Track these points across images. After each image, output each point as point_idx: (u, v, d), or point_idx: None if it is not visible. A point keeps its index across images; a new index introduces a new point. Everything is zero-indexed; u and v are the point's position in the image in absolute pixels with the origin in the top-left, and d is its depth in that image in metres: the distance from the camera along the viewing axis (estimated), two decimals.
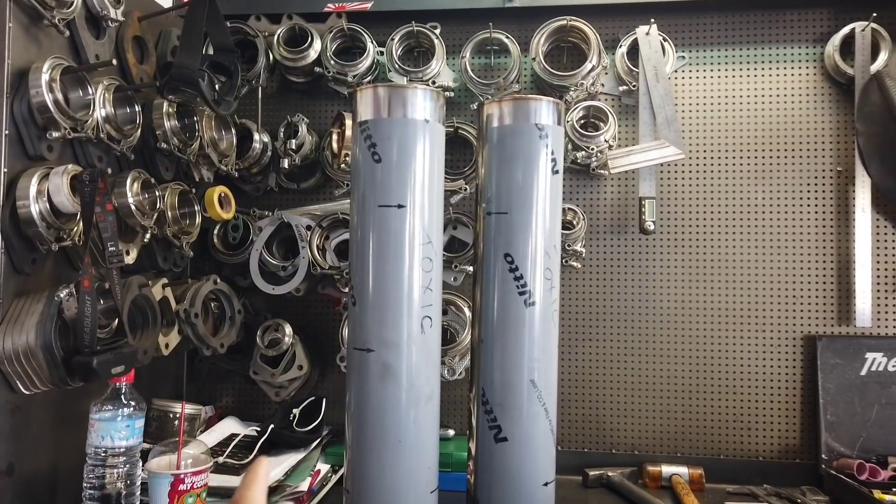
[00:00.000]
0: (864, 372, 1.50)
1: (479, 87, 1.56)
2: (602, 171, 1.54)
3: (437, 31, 1.58)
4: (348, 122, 1.50)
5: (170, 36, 1.49)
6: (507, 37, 1.55)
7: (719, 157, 1.58)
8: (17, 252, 1.10)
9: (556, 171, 1.12)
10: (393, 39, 1.56)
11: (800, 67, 1.56)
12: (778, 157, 1.56)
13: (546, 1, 1.56)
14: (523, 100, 1.11)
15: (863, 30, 1.49)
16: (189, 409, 1.51)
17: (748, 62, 1.58)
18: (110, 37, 1.32)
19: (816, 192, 1.55)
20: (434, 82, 1.55)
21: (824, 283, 1.54)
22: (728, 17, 1.58)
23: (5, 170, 1.09)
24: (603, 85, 1.59)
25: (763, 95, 1.57)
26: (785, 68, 1.56)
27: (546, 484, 1.11)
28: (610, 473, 1.51)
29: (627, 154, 1.51)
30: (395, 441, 1.01)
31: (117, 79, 1.29)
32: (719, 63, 1.59)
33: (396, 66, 1.55)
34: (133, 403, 1.16)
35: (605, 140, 1.48)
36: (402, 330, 1.01)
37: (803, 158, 1.56)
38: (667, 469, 1.51)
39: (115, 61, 1.27)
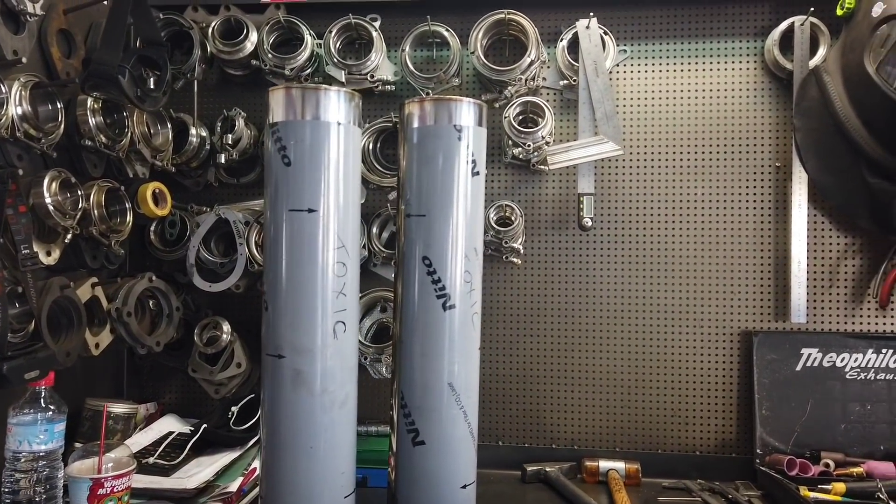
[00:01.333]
0: (799, 367, 1.51)
1: (419, 80, 1.54)
2: (543, 167, 1.53)
3: (377, 24, 1.55)
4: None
5: (100, 28, 1.45)
6: (447, 29, 1.53)
7: (660, 153, 1.58)
8: None
9: (477, 173, 1.10)
10: (331, 32, 1.53)
11: (740, 62, 1.55)
12: (717, 152, 1.56)
13: None
14: (442, 100, 1.09)
15: (802, 24, 1.47)
16: (124, 408, 1.51)
17: (689, 56, 1.56)
18: (31, 31, 1.28)
19: (755, 187, 1.55)
20: (373, 76, 1.53)
21: (762, 278, 1.54)
22: (670, 11, 1.57)
23: None
24: (545, 79, 1.57)
25: (703, 90, 1.56)
26: (725, 62, 1.55)
27: (465, 486, 1.11)
28: (548, 469, 1.52)
29: (566, 150, 1.50)
30: (308, 447, 1.01)
31: (37, 75, 1.26)
32: (660, 57, 1.57)
33: (335, 59, 1.52)
34: (53, 407, 1.15)
35: (542, 136, 1.47)
36: (314, 336, 1.00)
37: (742, 154, 1.55)
38: (604, 464, 1.52)
39: (24, 59, 1.24)
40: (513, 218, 1.50)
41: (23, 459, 1.12)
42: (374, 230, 1.56)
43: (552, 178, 1.59)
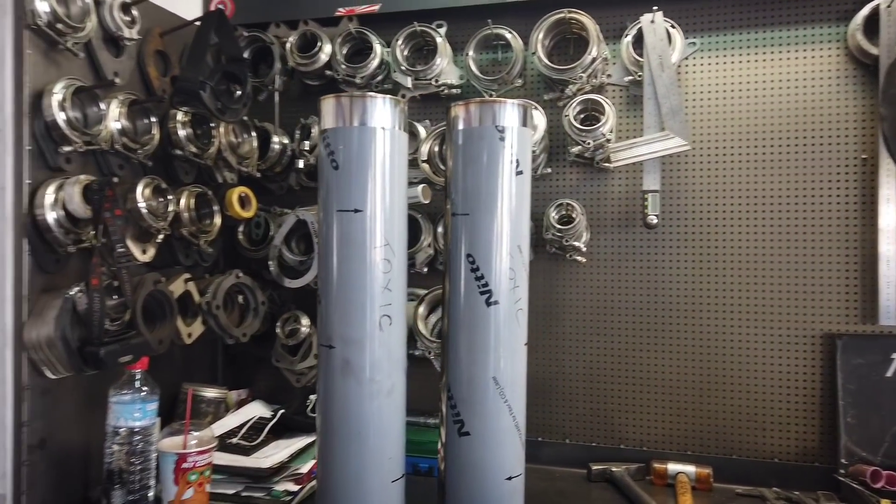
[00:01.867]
0: (889, 373, 1.41)
1: (482, 83, 1.57)
2: (607, 165, 1.52)
3: (443, 30, 1.61)
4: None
5: (186, 48, 1.61)
6: (510, 31, 1.56)
7: (734, 147, 1.52)
8: (40, 254, 1.24)
9: (520, 172, 1.13)
10: (397, 40, 1.60)
11: (820, 49, 1.46)
12: (796, 145, 1.48)
13: None
14: (486, 102, 1.13)
15: (888, 6, 1.37)
16: (215, 393, 1.65)
17: (763, 45, 1.50)
18: (130, 53, 1.44)
19: (838, 181, 1.46)
20: (437, 80, 1.58)
21: (846, 278, 1.45)
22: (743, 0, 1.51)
23: (29, 181, 1.23)
24: (610, 76, 1.56)
25: (780, 80, 1.49)
26: (804, 50, 1.47)
27: (510, 478, 1.13)
28: (614, 469, 1.51)
29: (630, 147, 1.48)
30: (356, 432, 1.07)
31: (134, 93, 1.41)
32: (733, 48, 1.52)
33: (401, 66, 1.59)
34: (146, 388, 1.29)
35: (603, 133, 1.46)
36: (361, 328, 1.07)
37: (824, 146, 1.46)
38: (673, 467, 1.49)
39: (117, 80, 1.39)
40: (574, 216, 1.50)
41: (121, 433, 1.27)
42: (440, 229, 1.61)
43: (618, 175, 1.58)
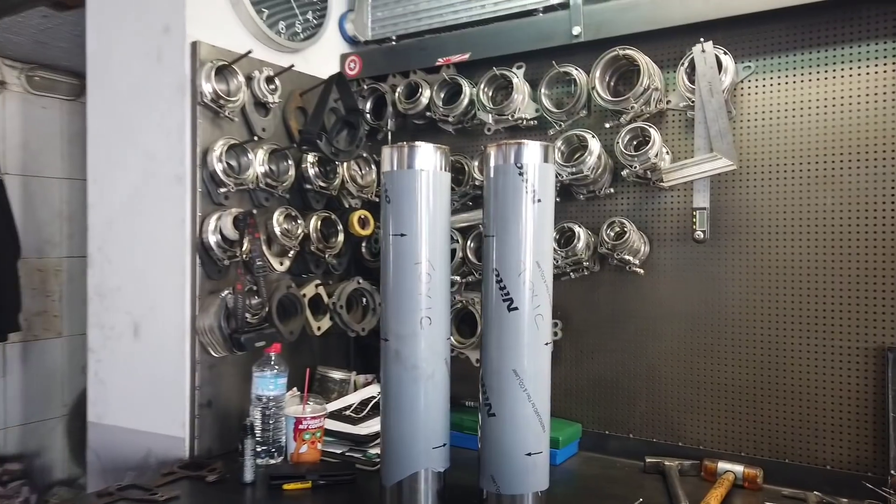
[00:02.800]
0: None
1: (553, 115, 1.80)
2: (662, 185, 1.66)
3: (521, 71, 1.86)
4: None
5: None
6: (576, 69, 1.76)
7: (792, 164, 1.58)
8: (207, 266, 1.73)
9: (539, 201, 1.36)
10: (480, 84, 1.88)
11: (875, 65, 1.48)
12: (850, 160, 1.51)
13: (609, 32, 1.72)
14: (510, 144, 1.37)
15: None
16: (341, 374, 2.05)
17: (816, 65, 1.54)
18: (275, 112, 1.90)
19: (893, 195, 1.46)
20: (514, 116, 1.83)
21: None
22: (795, 22, 1.56)
23: (200, 214, 1.72)
24: (669, 101, 1.70)
25: (835, 97, 1.53)
26: (858, 67, 1.50)
27: (530, 454, 1.37)
28: (666, 462, 1.65)
29: (681, 168, 1.62)
30: (403, 408, 1.38)
31: (277, 144, 1.86)
32: (787, 68, 1.58)
33: (484, 105, 1.87)
34: (277, 367, 1.72)
35: (649, 157, 1.61)
36: (406, 325, 1.38)
37: (879, 161, 1.48)
38: (722, 465, 1.59)
39: (263, 135, 1.84)
40: (624, 232, 1.67)
41: (264, 399, 1.71)
42: None
43: (675, 193, 1.70)
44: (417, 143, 1.40)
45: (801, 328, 1.56)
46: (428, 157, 1.38)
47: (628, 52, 1.65)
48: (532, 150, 1.36)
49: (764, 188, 1.61)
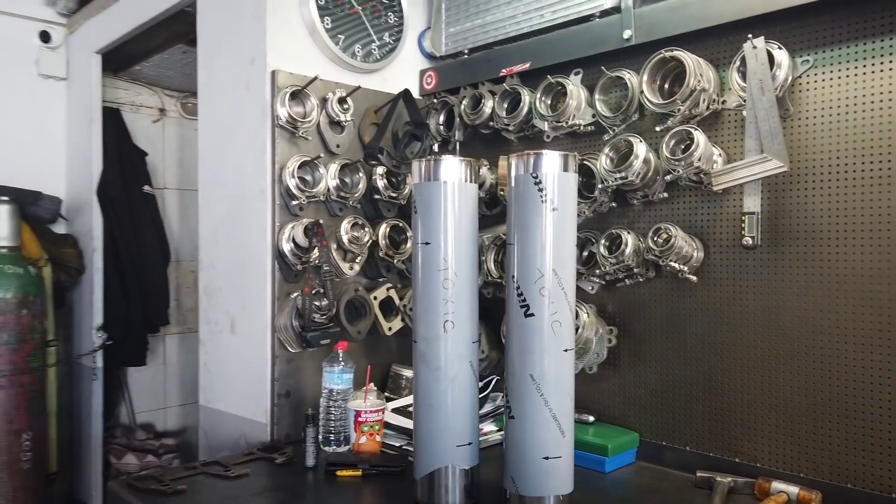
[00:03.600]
0: None
1: (606, 120, 1.79)
2: (715, 189, 1.59)
3: (578, 78, 1.86)
4: (502, 163, 1.93)
5: (400, 117, 2.16)
6: (629, 72, 1.74)
7: (856, 163, 1.45)
8: (283, 270, 1.93)
9: (555, 209, 1.38)
10: (537, 92, 1.91)
11: None
12: None
13: (660, 34, 1.68)
14: (529, 154, 1.40)
15: None
16: (411, 372, 2.17)
17: (881, 55, 1.40)
18: (349, 129, 2.06)
19: None
20: (568, 122, 1.84)
21: None
22: (857, 9, 1.43)
23: (278, 224, 1.92)
24: (724, 102, 1.62)
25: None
26: None
27: (547, 458, 1.39)
28: (717, 478, 1.58)
29: (731, 171, 1.55)
30: (430, 406, 1.47)
31: (349, 159, 2.02)
32: (849, 60, 1.45)
33: (540, 113, 1.90)
34: (343, 363, 1.87)
35: (692, 162, 1.55)
36: (430, 329, 1.46)
37: None
38: (776, 485, 1.51)
39: (337, 150, 2.01)
40: (670, 239, 1.62)
41: (333, 393, 1.87)
42: None
43: (731, 198, 1.62)
44: (443, 156, 1.48)
45: (864, 342, 1.43)
46: (453, 170, 1.46)
47: (675, 53, 1.61)
48: (550, 159, 1.38)
49: (824, 190, 1.49)
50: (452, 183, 1.46)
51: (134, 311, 3.05)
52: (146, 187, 3.22)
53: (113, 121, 3.14)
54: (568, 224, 1.41)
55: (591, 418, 1.86)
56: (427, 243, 1.47)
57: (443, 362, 1.46)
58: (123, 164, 3.09)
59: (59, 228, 3.10)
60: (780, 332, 1.56)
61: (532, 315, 1.39)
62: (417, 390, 1.51)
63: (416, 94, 2.25)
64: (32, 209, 2.85)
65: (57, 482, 2.90)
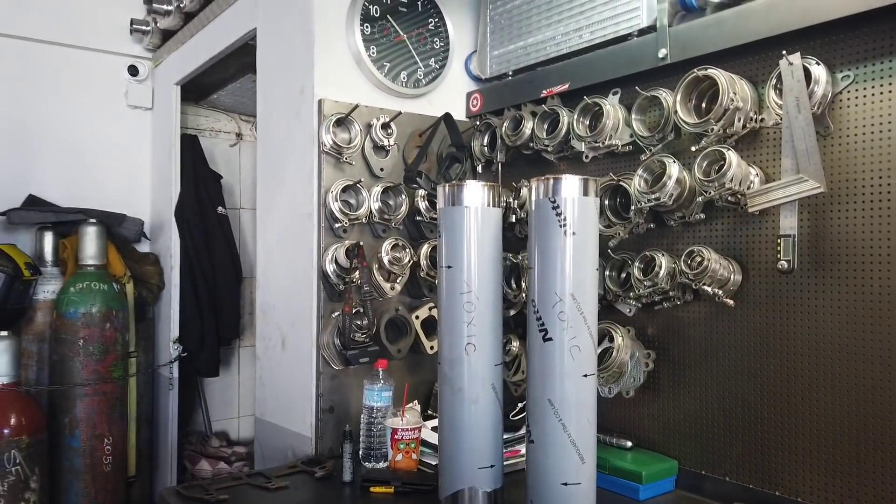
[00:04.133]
0: None
1: (643, 140, 1.76)
2: (750, 210, 1.54)
3: (616, 98, 1.85)
4: (525, 188, 1.95)
5: (444, 140, 2.21)
6: (666, 91, 1.71)
7: (891, 183, 1.37)
8: (328, 289, 2.01)
9: (573, 234, 1.38)
10: (574, 113, 1.90)
11: None
12: None
13: (694, 52, 1.64)
14: (548, 179, 1.41)
15: None
16: None
17: None
18: (393, 153, 2.12)
19: None
20: (604, 143, 1.83)
21: None
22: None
23: (323, 245, 2.01)
24: (763, 120, 1.57)
25: None
26: None
27: (566, 484, 1.38)
28: None
29: (766, 192, 1.50)
30: (452, 428, 1.50)
31: (391, 182, 2.08)
32: (892, 75, 1.37)
33: (577, 134, 1.89)
34: (382, 381, 1.92)
35: (724, 183, 1.51)
36: (452, 351, 1.49)
37: None
38: None
39: (381, 174, 2.07)
40: (703, 262, 1.57)
41: (373, 410, 1.93)
42: (611, 273, 1.84)
43: (769, 219, 1.56)
44: (466, 181, 1.51)
45: None
46: (475, 195, 1.49)
47: (708, 71, 1.57)
48: (570, 184, 1.39)
49: (867, 211, 1.41)
50: (475, 208, 1.49)
51: (207, 324, 3.23)
52: (220, 208, 3.41)
53: (191, 146, 3.36)
54: (588, 249, 1.40)
55: (629, 444, 1.82)
56: (450, 267, 1.50)
57: (465, 384, 1.49)
58: (199, 187, 3.29)
59: (142, 247, 3.34)
60: (822, 360, 1.48)
61: (550, 339, 1.39)
62: (441, 411, 1.54)
63: (462, 115, 2.30)
64: (118, 230, 3.08)
65: (135, 485, 3.10)
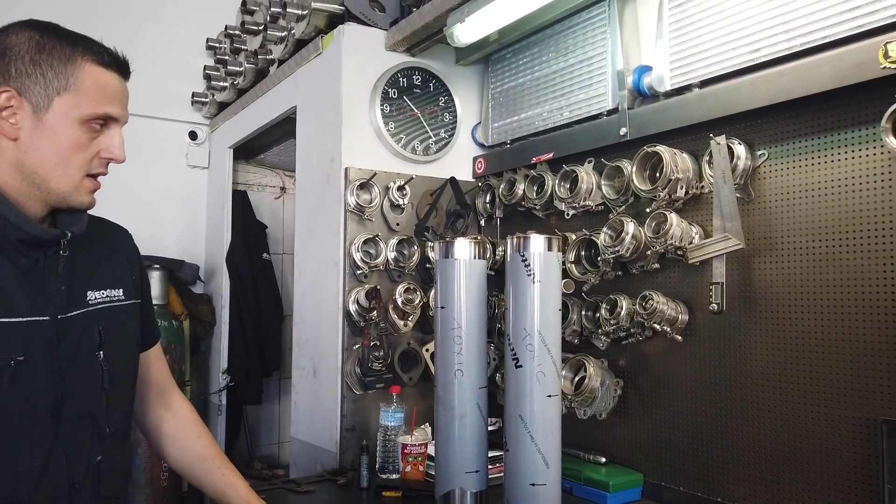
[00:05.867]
0: None
1: (609, 202, 2.11)
2: (690, 262, 1.86)
3: (591, 165, 2.20)
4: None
5: (452, 199, 2.59)
6: (628, 162, 2.05)
7: (801, 241, 1.69)
8: (350, 325, 2.39)
9: (539, 281, 1.73)
10: (556, 178, 2.27)
11: (869, 149, 1.55)
12: (848, 240, 1.58)
13: (648, 131, 2.00)
14: (519, 237, 1.77)
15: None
16: None
17: (818, 150, 1.65)
18: (407, 210, 2.52)
19: (889, 273, 1.51)
20: (580, 203, 2.18)
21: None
22: (800, 111, 1.69)
23: (347, 288, 2.40)
24: (703, 187, 1.90)
25: (834, 179, 1.62)
26: (852, 151, 1.58)
27: (533, 485, 1.70)
28: None
29: (700, 247, 1.83)
30: (445, 440, 1.84)
31: (406, 235, 2.47)
32: (795, 154, 1.70)
33: (559, 195, 2.25)
34: (395, 404, 2.28)
35: (666, 240, 1.84)
36: (445, 376, 1.84)
37: (875, 240, 1.54)
38: None
39: (393, 229, 2.47)
40: (655, 304, 1.90)
41: (388, 429, 2.28)
42: (587, 312, 2.17)
43: (709, 269, 1.88)
44: (457, 238, 1.88)
45: (811, 398, 1.64)
46: (463, 249, 1.86)
47: (655, 149, 1.92)
48: (536, 242, 1.74)
49: (782, 263, 1.73)
50: (463, 260, 1.85)
51: (252, 357, 3.65)
52: (265, 254, 3.86)
53: (241, 201, 3.83)
54: (552, 293, 1.75)
55: (603, 459, 2.12)
56: (443, 307, 1.86)
57: (455, 403, 1.83)
58: (247, 236, 3.75)
59: (197, 289, 3.79)
60: (749, 388, 1.78)
61: (521, 366, 1.73)
62: (436, 426, 1.88)
63: (469, 176, 2.69)
64: (177, 274, 3.54)
65: (188, 501, 3.49)
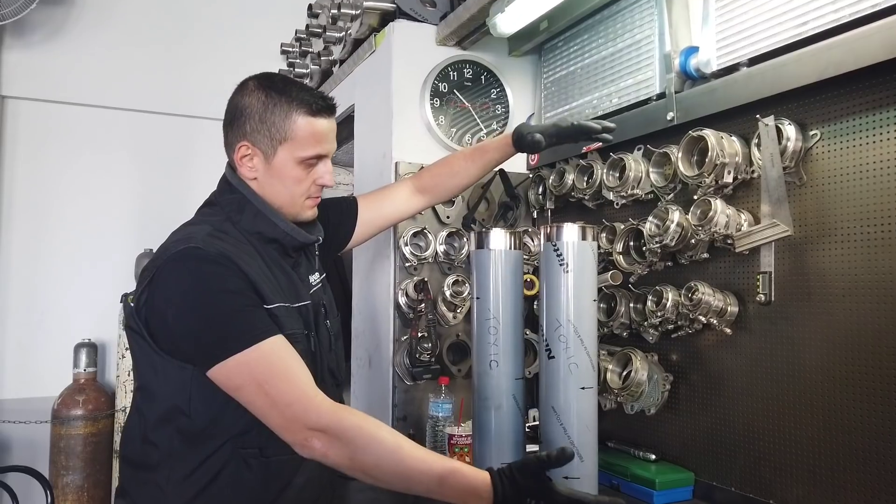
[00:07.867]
0: None
1: (659, 190, 2.04)
2: (737, 250, 1.77)
3: (640, 153, 2.13)
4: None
5: (502, 191, 2.58)
6: (674, 148, 1.97)
7: (858, 227, 1.57)
8: (400, 317, 2.42)
9: (568, 272, 1.70)
10: (604, 167, 2.21)
11: None
12: None
13: (695, 115, 1.91)
14: (550, 226, 1.74)
15: None
16: None
17: (875, 127, 1.53)
18: (458, 203, 2.52)
19: None
20: (628, 192, 2.11)
21: None
22: (858, 85, 1.57)
23: (397, 281, 2.43)
24: (753, 172, 1.80)
25: (891, 161, 1.49)
26: None
27: (567, 478, 1.67)
28: None
29: (748, 234, 1.74)
30: (481, 431, 1.84)
31: (455, 227, 2.48)
32: (850, 133, 1.58)
33: (607, 185, 2.19)
34: (444, 395, 2.30)
35: (711, 228, 1.76)
36: (480, 366, 1.84)
37: None
38: None
39: (444, 222, 2.48)
40: (702, 296, 1.81)
41: (437, 418, 2.30)
42: (635, 305, 2.10)
43: (759, 257, 1.78)
44: (493, 228, 1.88)
45: (868, 395, 1.52)
46: (499, 240, 1.85)
47: (699, 133, 1.83)
48: (570, 231, 1.72)
49: (835, 251, 1.61)
50: (499, 250, 1.84)
51: None
52: None
53: None
54: (586, 283, 1.71)
55: (653, 456, 2.05)
56: (479, 298, 1.86)
57: (490, 394, 1.83)
58: None
59: None
60: (800, 382, 1.67)
61: (553, 357, 1.71)
62: (474, 417, 1.88)
63: (523, 168, 2.66)
64: None
65: None
